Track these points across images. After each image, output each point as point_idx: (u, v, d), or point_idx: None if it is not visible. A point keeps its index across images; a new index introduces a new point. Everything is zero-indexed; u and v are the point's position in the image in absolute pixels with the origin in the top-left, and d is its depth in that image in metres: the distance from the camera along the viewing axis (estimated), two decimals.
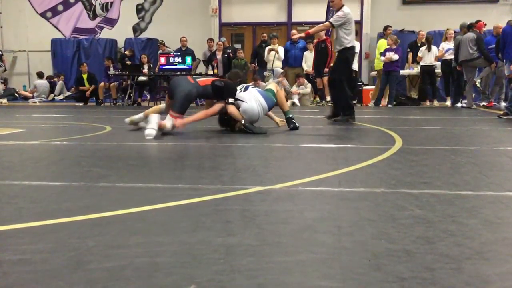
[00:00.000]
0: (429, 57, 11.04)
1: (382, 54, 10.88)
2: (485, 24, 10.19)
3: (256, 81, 10.57)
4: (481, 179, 2.95)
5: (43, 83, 14.22)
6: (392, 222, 2.02)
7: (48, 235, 1.89)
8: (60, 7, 15.33)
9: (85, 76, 12.91)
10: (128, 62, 12.92)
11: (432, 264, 1.56)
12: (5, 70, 14.02)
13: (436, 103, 11.26)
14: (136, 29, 15.07)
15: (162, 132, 5.17)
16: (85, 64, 13.14)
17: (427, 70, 11.09)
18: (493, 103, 10.42)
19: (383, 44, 11.22)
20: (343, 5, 6.72)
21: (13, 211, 2.28)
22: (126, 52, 13.49)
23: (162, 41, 13.21)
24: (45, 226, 2.00)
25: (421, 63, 11.21)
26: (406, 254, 1.65)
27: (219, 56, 12.28)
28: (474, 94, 10.53)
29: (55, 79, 14.37)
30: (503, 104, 10.32)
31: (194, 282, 1.44)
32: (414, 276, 1.47)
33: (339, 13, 6.61)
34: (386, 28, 11.87)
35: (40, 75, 14.27)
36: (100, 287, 1.41)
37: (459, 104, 10.52)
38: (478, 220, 2.07)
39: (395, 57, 10.61)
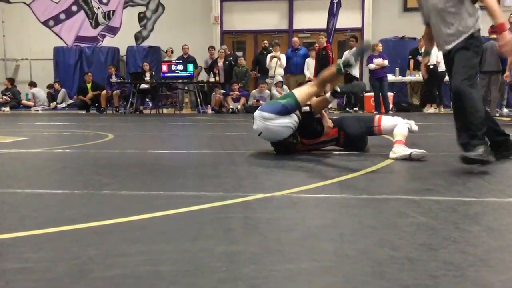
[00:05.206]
0: (431, 58, 10.97)
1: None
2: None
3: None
4: (484, 186, 2.94)
5: (40, 90, 14.25)
6: (395, 229, 2.01)
7: (50, 244, 1.89)
8: (63, 16, 15.40)
9: (89, 86, 12.96)
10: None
11: (435, 272, 1.55)
12: None
13: (442, 109, 10.79)
14: (138, 37, 15.12)
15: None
16: (89, 73, 13.18)
17: (431, 72, 11.01)
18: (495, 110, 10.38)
19: None
20: None
21: (15, 219, 2.28)
22: None
23: (171, 47, 13.22)
24: (47, 235, 2.00)
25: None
26: (409, 262, 1.64)
27: (220, 63, 12.34)
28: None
29: (55, 86, 14.32)
30: (505, 110, 10.31)
31: None
32: (417, 283, 1.46)
33: None
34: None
35: (32, 84, 14.29)
36: None
37: None
38: (481, 227, 2.06)
39: (386, 62, 10.65)
